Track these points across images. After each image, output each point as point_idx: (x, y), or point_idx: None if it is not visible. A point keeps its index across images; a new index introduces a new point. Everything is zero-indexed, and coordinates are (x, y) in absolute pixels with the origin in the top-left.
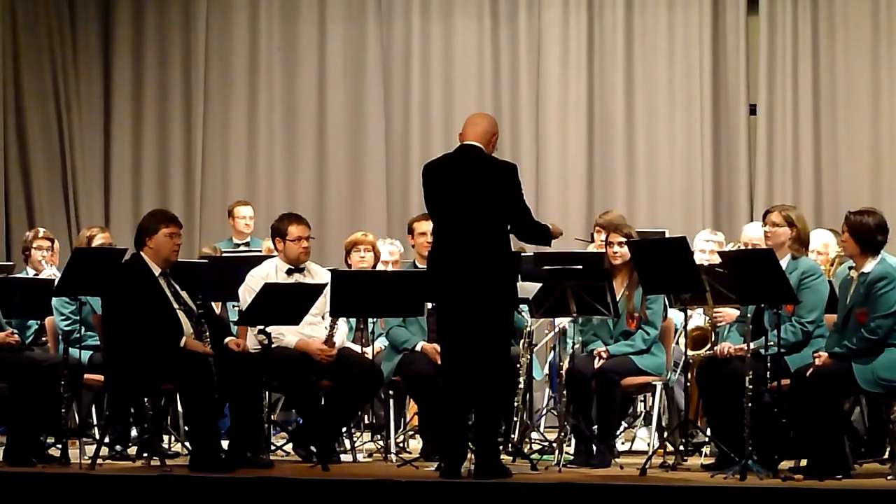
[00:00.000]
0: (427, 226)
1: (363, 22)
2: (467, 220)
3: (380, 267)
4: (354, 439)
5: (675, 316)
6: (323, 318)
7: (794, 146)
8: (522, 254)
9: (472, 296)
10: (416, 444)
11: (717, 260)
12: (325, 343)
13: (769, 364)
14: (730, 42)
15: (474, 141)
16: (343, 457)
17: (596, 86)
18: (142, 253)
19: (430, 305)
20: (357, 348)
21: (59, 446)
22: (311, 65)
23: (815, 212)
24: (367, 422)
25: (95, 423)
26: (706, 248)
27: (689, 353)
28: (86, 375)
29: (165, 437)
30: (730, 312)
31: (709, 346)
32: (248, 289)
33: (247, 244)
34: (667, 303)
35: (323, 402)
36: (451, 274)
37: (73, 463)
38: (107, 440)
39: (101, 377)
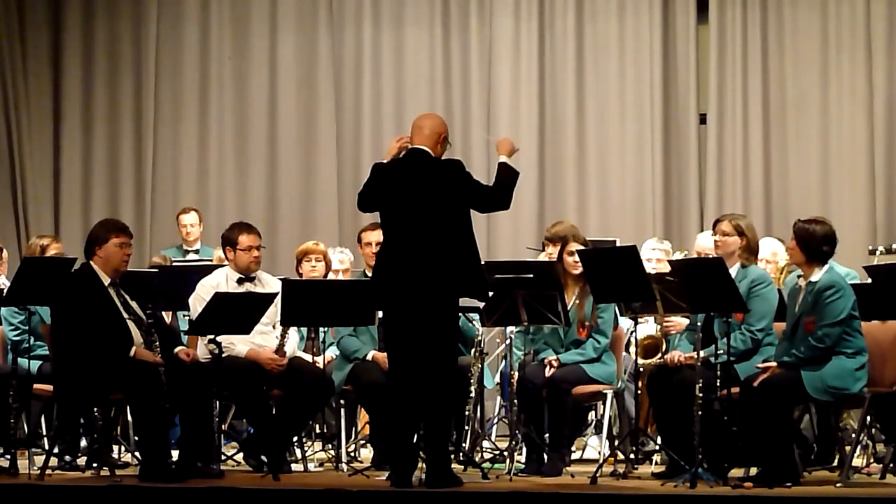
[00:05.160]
0: (375, 236)
1: (314, 31)
2: (416, 226)
3: (331, 276)
4: (305, 449)
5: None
6: (274, 327)
7: (744, 155)
8: None
9: (418, 303)
10: (367, 454)
11: (663, 268)
12: (276, 352)
13: (719, 372)
14: (680, 51)
15: (421, 145)
16: (294, 466)
17: (547, 94)
18: (91, 262)
19: (381, 314)
20: (308, 357)
21: (8, 457)
22: (262, 74)
23: (764, 221)
24: (318, 431)
25: (45, 433)
26: (652, 257)
27: (640, 361)
28: (35, 386)
29: (115, 448)
30: (680, 321)
31: (659, 354)
32: (199, 298)
33: (196, 251)
34: (617, 311)
35: (274, 412)
36: (398, 280)
37: (22, 473)
38: (56, 450)
39: (50, 387)
